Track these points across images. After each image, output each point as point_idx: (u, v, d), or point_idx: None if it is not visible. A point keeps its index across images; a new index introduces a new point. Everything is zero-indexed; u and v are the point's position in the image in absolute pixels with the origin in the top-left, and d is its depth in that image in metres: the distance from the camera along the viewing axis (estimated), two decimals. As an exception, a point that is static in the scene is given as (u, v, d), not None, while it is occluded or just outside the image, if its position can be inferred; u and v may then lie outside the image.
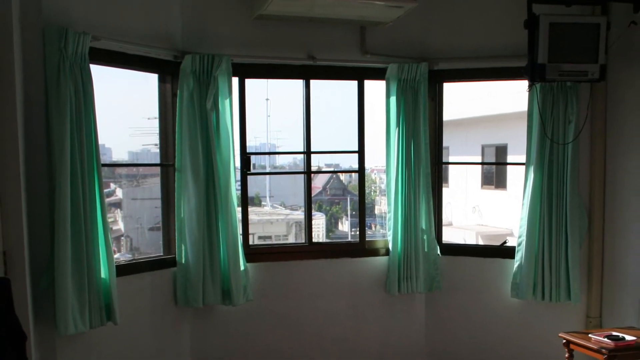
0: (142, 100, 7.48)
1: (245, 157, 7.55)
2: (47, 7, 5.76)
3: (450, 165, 21.13)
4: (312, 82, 7.72)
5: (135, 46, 6.63)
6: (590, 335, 6.34)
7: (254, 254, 7.56)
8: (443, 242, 8.11)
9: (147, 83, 7.15)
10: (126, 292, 6.50)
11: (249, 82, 7.54)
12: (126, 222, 13.13)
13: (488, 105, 18.20)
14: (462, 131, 19.74)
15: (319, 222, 18.54)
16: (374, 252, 7.95)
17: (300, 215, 13.51)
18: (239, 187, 7.53)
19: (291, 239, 16.92)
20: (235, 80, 7.31)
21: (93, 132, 6.00)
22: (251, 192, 8.14)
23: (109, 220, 6.38)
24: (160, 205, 7.37)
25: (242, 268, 7.22)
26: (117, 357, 6.58)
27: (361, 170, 8.04)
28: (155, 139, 7.30)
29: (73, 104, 5.82)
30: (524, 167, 7.52)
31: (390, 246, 7.78)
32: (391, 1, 6.68)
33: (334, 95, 9.71)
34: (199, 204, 6.99)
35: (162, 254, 7.33)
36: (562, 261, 7.30)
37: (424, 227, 7.73)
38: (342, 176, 20.60)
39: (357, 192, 8.41)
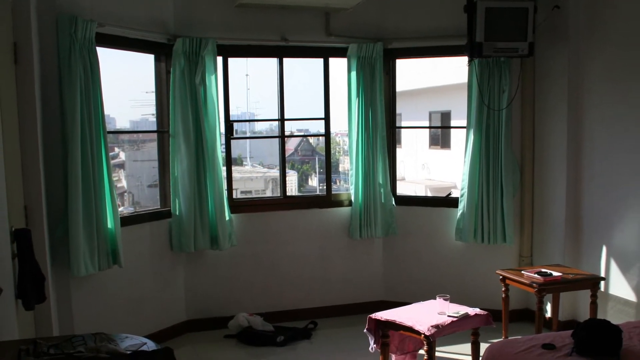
0: (141, 76, 7.44)
1: (229, 124, 7.57)
2: (59, -1, 5.83)
3: (402, 129, 21.13)
4: (285, 60, 7.72)
5: (135, 31, 6.63)
6: (522, 272, 6.38)
7: (237, 206, 7.62)
8: (397, 194, 8.12)
9: (144, 62, 7.12)
10: (129, 239, 6.56)
11: (232, 61, 7.53)
12: (128, 180, 13.05)
13: (434, 78, 18.13)
14: (413, 100, 19.67)
15: (292, 178, 18.48)
16: (339, 203, 8.01)
17: (276, 173, 13.51)
18: (224, 150, 7.54)
19: (268, 193, 16.84)
20: (219, 59, 7.31)
21: (99, 104, 6.02)
22: (234, 153, 8.13)
23: (114, 178, 6.39)
24: (157, 166, 7.39)
25: (227, 218, 7.28)
26: (123, 294, 6.65)
27: (327, 134, 8.07)
28: (152, 110, 7.28)
29: (82, 81, 5.85)
30: (465, 130, 7.58)
31: (352, 198, 7.84)
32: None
33: (303, 71, 9.70)
34: (190, 164, 7.02)
35: (159, 207, 7.36)
36: (498, 209, 7.40)
37: (381, 181, 7.79)
38: (311, 139, 20.53)
39: (324, 153, 8.43)
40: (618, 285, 6.56)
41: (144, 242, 6.96)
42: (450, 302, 5.62)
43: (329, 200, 8.02)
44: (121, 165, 13.22)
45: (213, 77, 7.14)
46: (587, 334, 4.50)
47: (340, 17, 7.64)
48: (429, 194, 17.88)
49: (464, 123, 7.63)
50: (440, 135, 20.67)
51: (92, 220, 5.98)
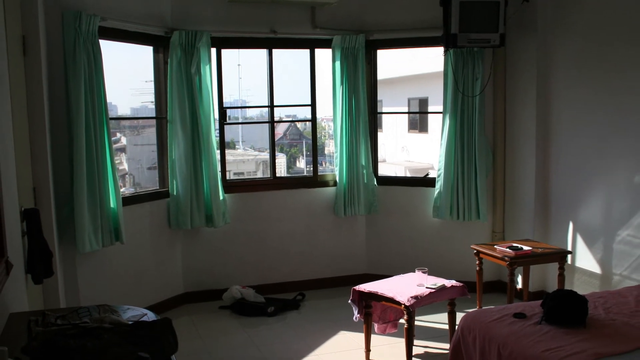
0: (140, 67, 7.41)
1: (222, 110, 7.55)
2: (64, -6, 5.81)
3: (383, 115, 21.11)
4: (274, 51, 7.70)
5: (135, 25, 6.61)
6: (495, 246, 6.39)
7: (230, 186, 7.61)
8: (379, 175, 8.13)
9: (144, 53, 7.10)
10: (130, 218, 6.56)
11: (224, 52, 7.51)
12: (129, 163, 13.00)
13: (412, 67, 18.10)
14: (393, 87, 19.64)
15: (281, 160, 18.43)
16: (325, 183, 8.01)
17: (266, 155, 13.45)
18: (218, 134, 7.54)
19: (259, 175, 16.76)
20: (213, 51, 7.28)
21: (102, 92, 6.01)
22: (227, 138, 8.09)
23: (116, 161, 6.38)
24: (156, 150, 7.37)
25: (221, 198, 7.28)
26: (125, 269, 6.66)
27: (313, 120, 8.06)
28: (151, 98, 7.26)
29: (86, 71, 5.84)
30: (441, 115, 7.58)
31: (337, 179, 7.84)
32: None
33: (291, 61, 9.66)
34: (186, 148, 7.02)
35: (158, 187, 7.36)
36: (473, 188, 7.43)
37: (363, 163, 7.80)
38: (299, 124, 20.48)
39: (310, 137, 8.42)
40: (584, 259, 6.61)
41: (144, 221, 6.96)
42: (428, 274, 5.64)
43: (315, 180, 8.02)
44: (123, 149, 13.17)
45: (207, 67, 7.11)
46: (556, 303, 4.52)
47: (325, 11, 7.62)
48: (408, 175, 17.89)
49: (440, 109, 7.61)
50: (418, 120, 20.64)
51: (95, 200, 5.98)
